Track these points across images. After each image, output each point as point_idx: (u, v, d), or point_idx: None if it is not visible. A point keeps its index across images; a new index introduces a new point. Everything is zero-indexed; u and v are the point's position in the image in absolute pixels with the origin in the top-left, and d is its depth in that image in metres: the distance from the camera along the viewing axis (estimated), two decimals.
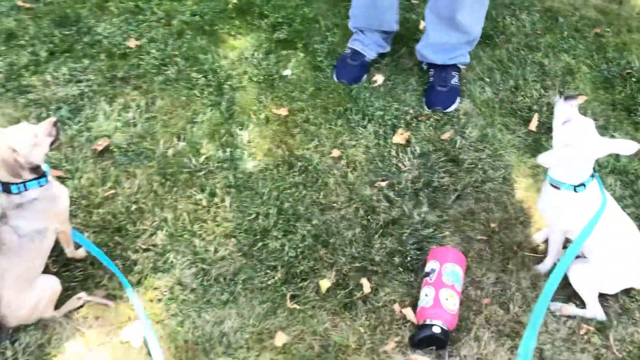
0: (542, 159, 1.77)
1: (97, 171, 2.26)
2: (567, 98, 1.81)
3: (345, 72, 2.68)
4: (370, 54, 2.72)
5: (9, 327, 1.75)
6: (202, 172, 2.28)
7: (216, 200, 2.20)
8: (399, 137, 2.45)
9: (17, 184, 1.67)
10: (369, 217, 2.18)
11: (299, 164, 2.34)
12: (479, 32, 2.60)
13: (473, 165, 2.37)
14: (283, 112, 2.52)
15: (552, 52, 2.89)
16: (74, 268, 1.98)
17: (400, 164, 2.37)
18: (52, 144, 1.75)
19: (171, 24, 2.92)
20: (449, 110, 2.57)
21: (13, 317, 1.74)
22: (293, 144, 2.42)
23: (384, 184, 2.29)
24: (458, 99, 2.61)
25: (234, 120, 2.49)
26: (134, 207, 2.15)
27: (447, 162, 2.38)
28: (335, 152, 2.39)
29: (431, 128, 2.51)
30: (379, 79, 2.70)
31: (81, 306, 1.88)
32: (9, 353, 1.74)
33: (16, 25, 2.84)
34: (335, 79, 2.68)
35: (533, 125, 2.51)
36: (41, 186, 1.71)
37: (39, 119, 2.40)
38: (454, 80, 2.64)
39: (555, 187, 1.84)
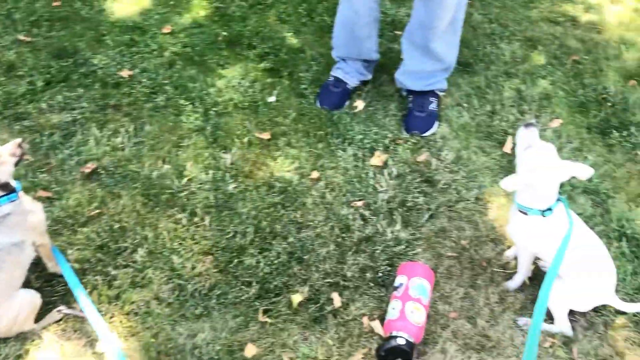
0: (505, 183, 1.80)
1: (84, 192, 2.36)
2: (527, 125, 1.87)
3: (328, 99, 2.78)
4: (352, 82, 2.83)
5: None
6: (184, 193, 2.37)
7: (196, 219, 2.28)
8: (377, 159, 2.53)
9: None
10: (344, 235, 2.25)
11: (279, 185, 2.42)
12: (454, 59, 2.71)
13: (447, 186, 2.43)
14: (266, 136, 2.63)
15: (529, 78, 2.98)
16: (56, 283, 2.06)
17: (377, 185, 2.44)
18: (17, 163, 1.85)
19: (163, 55, 3.06)
20: (426, 134, 2.65)
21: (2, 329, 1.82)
22: (274, 166, 2.51)
23: (360, 203, 2.36)
24: (436, 124, 2.70)
25: (218, 144, 2.59)
26: (117, 225, 2.24)
27: (422, 183, 2.45)
28: (315, 174, 2.47)
29: (408, 151, 2.59)
30: (359, 104, 2.80)
31: (60, 319, 1.96)
32: None
33: (16, 57, 3.00)
34: (318, 105, 2.78)
35: (507, 147, 2.58)
36: (12, 201, 1.79)
37: (33, 144, 2.53)
38: (432, 106, 2.73)
39: (523, 212, 1.88)
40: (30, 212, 1.87)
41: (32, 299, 1.89)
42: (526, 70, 3.03)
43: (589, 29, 3.38)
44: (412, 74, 2.71)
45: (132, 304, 2.01)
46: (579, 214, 2.27)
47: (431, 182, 2.45)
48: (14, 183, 1.83)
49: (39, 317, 1.92)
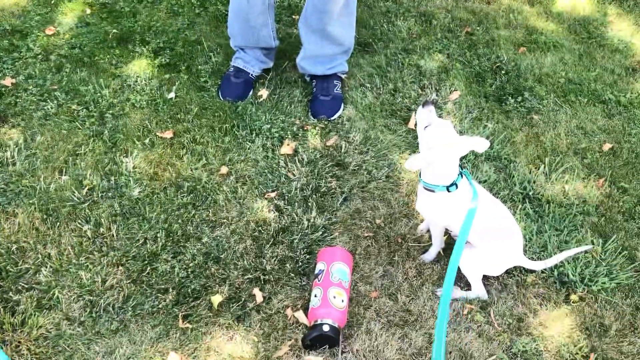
0: (408, 164, 1.81)
1: None
2: (424, 104, 1.90)
3: (230, 90, 2.71)
4: (253, 70, 2.77)
5: None
6: (86, 204, 2.24)
7: (102, 230, 2.16)
8: (287, 148, 2.50)
9: None
10: (260, 229, 2.21)
11: (187, 184, 2.34)
12: (352, 41, 2.71)
13: (358, 167, 2.45)
14: (168, 134, 2.52)
15: (427, 53, 3.04)
16: None
17: (289, 174, 2.41)
18: None
19: (49, 59, 2.86)
20: (333, 118, 2.65)
21: None
22: (180, 165, 2.42)
23: (273, 194, 2.33)
24: (342, 107, 2.70)
25: (118, 148, 2.46)
26: (14, 247, 2.08)
27: (334, 167, 2.44)
28: (224, 169, 2.41)
29: (317, 136, 2.58)
30: (264, 93, 2.75)
31: None
32: None
33: None
34: (220, 97, 2.71)
35: (412, 123, 2.62)
36: None
37: None
38: (336, 89, 2.73)
39: (429, 190, 1.91)
40: None
41: None
42: (423, 45, 3.10)
43: (479, 1, 3.49)
44: (312, 58, 2.69)
45: (40, 328, 1.88)
46: (483, 181, 2.36)
47: (342, 165, 2.45)
48: None
49: None
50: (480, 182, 2.35)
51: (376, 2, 3.38)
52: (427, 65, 2.96)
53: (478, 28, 3.25)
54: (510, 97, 2.80)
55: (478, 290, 2.01)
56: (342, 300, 1.91)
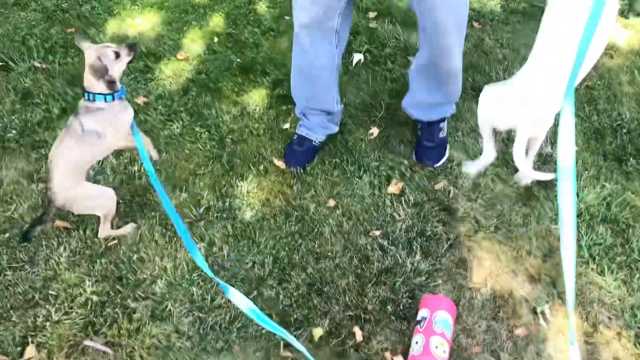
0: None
1: None
2: None
3: (294, 158, 2.64)
4: (317, 137, 2.68)
5: (56, 205, 2.14)
6: (202, 222, 2.36)
7: (214, 249, 2.27)
8: (394, 187, 2.53)
9: (89, 92, 2.08)
10: (363, 266, 2.24)
11: (296, 213, 2.42)
12: (460, 89, 2.65)
13: (465, 215, 2.42)
14: (281, 164, 2.62)
15: None
16: (75, 315, 2.05)
17: (394, 214, 2.43)
18: (129, 62, 2.14)
19: (178, 82, 3.07)
20: (438, 165, 2.62)
21: (61, 197, 2.11)
22: (290, 194, 2.50)
23: (378, 233, 2.35)
24: (447, 152, 2.68)
25: (235, 171, 2.59)
26: (135, 256, 2.23)
27: (441, 212, 2.44)
28: (331, 202, 2.47)
29: (425, 178, 2.58)
30: (374, 131, 2.80)
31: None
32: None
33: (32, 84, 3.01)
34: (285, 163, 2.65)
35: None
36: (107, 102, 2.09)
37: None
38: (441, 134, 2.69)
39: None
40: (120, 114, 2.14)
41: (109, 195, 2.22)
42: None
43: (602, 54, 3.38)
44: (419, 104, 2.66)
45: (153, 337, 2.00)
46: (598, 244, 2.27)
47: (449, 211, 2.44)
48: (118, 86, 2.12)
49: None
50: (594, 245, 2.26)
51: (493, 49, 3.36)
52: None
53: (599, 82, 3.14)
54: (631, 158, 2.67)
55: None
56: (444, 352, 1.89)
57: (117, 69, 2.10)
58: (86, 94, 2.09)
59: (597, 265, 2.22)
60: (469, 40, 3.41)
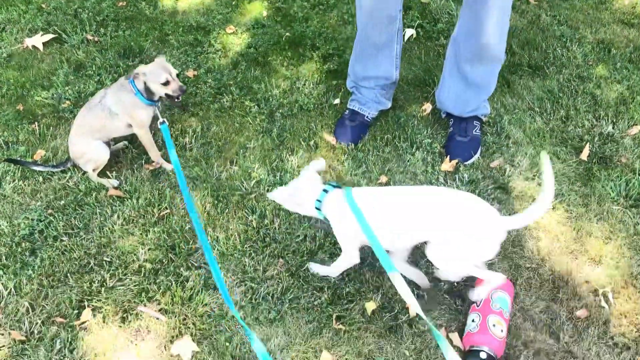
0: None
1: (154, 192, 2.37)
2: None
3: (344, 133, 2.59)
4: (369, 113, 2.63)
5: (71, 157, 2.41)
6: (253, 195, 2.35)
7: (266, 222, 2.26)
8: (448, 165, 2.47)
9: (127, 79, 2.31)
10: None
11: None
12: (494, 84, 2.53)
13: (522, 194, 2.35)
14: (332, 139, 2.59)
15: (604, 82, 2.86)
16: (129, 282, 2.07)
17: None
18: (168, 96, 2.32)
19: (227, 56, 3.06)
20: (468, 162, 2.48)
21: (73, 152, 2.37)
22: (341, 169, 2.47)
23: None
24: (480, 150, 2.53)
25: (285, 146, 2.57)
26: (187, 226, 2.24)
27: (496, 190, 2.37)
28: (383, 178, 2.43)
29: (479, 156, 2.51)
30: (427, 107, 2.74)
31: (116, 187, 2.39)
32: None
33: (85, 56, 3.04)
34: (335, 138, 2.60)
35: (585, 154, 2.47)
36: (136, 95, 2.30)
37: None
38: (475, 131, 2.55)
39: None
40: (137, 109, 2.33)
41: (102, 151, 2.37)
42: (600, 74, 2.92)
43: None
44: (453, 98, 2.54)
45: (205, 306, 2.00)
46: None
47: (505, 189, 2.37)
48: (153, 97, 2.33)
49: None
50: None
51: (550, 26, 3.24)
52: (603, 95, 2.79)
53: None
54: None
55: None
56: (502, 330, 1.84)
57: (155, 88, 2.29)
58: (131, 79, 2.30)
59: None
60: (525, 17, 3.29)
